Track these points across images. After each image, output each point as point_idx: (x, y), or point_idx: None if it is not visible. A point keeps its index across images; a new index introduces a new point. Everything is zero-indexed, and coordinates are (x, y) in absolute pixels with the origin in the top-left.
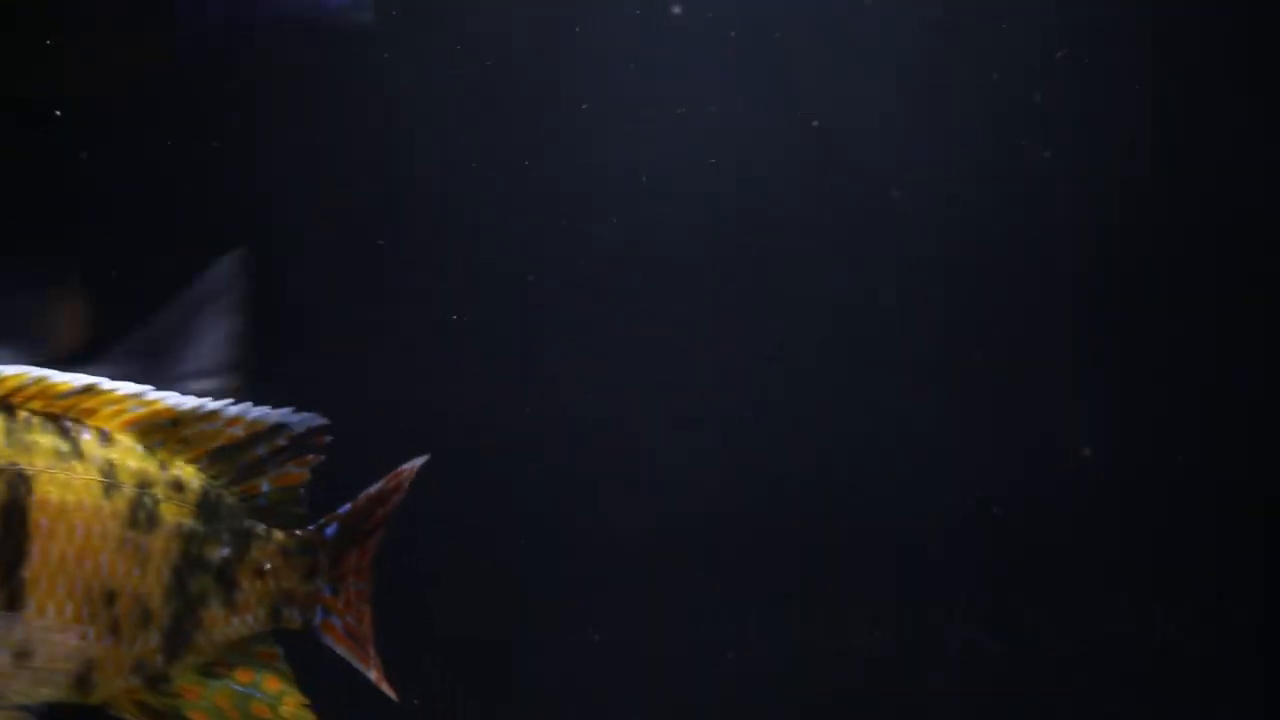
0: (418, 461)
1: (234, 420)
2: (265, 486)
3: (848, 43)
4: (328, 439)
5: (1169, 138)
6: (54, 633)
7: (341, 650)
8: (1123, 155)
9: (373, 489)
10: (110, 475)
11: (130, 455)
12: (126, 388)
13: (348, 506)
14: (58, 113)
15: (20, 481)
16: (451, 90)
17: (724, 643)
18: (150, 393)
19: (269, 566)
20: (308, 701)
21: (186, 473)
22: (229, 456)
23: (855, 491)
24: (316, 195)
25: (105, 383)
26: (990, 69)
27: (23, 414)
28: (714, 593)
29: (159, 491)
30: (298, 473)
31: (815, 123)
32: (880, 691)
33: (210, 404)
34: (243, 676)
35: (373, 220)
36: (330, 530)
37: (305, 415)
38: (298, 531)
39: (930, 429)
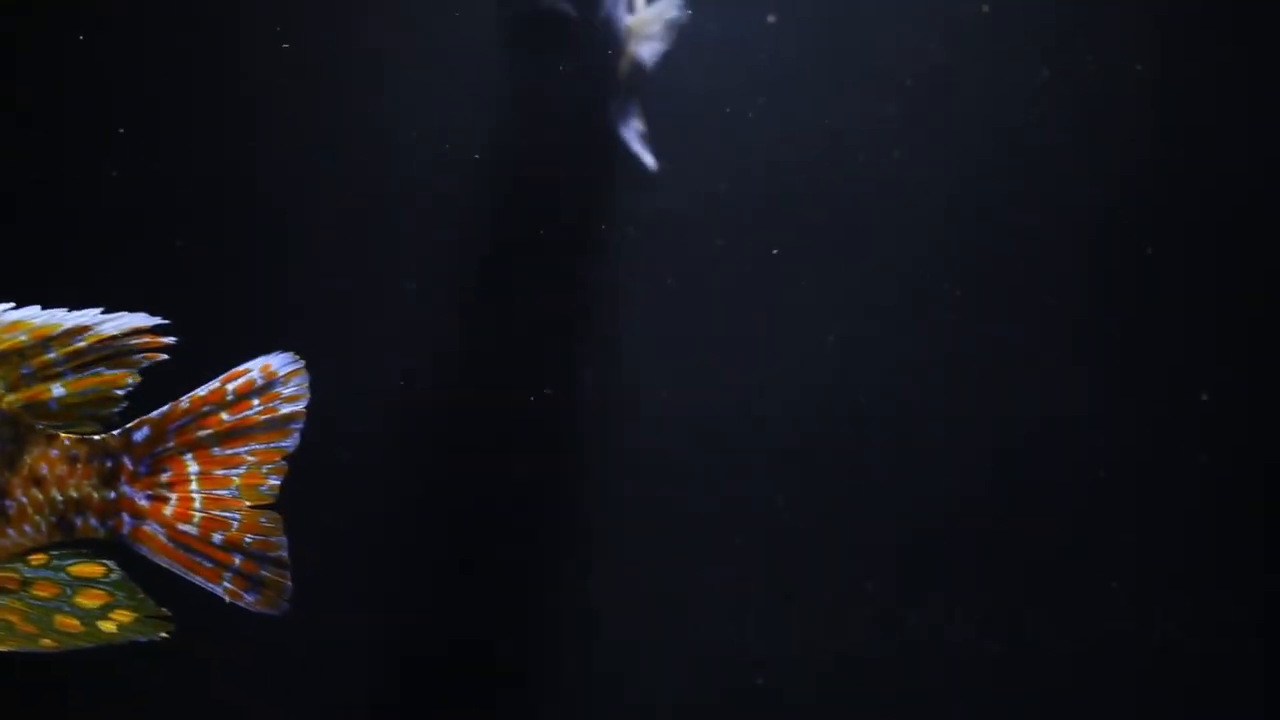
0: (269, 359)
1: (12, 326)
2: (57, 390)
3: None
4: (168, 340)
5: (1169, 138)
6: None
7: (162, 560)
8: (1125, 155)
9: (201, 389)
10: None
11: None
12: None
13: (166, 407)
14: None
15: None
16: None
17: (724, 642)
18: None
19: (48, 474)
20: (162, 612)
21: None
22: (8, 362)
23: (856, 492)
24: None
25: None
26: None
27: None
28: (714, 593)
29: None
30: (111, 374)
31: (828, 121)
32: (880, 691)
33: None
34: (43, 590)
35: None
36: (141, 434)
37: (120, 317)
38: (96, 436)
39: (931, 430)
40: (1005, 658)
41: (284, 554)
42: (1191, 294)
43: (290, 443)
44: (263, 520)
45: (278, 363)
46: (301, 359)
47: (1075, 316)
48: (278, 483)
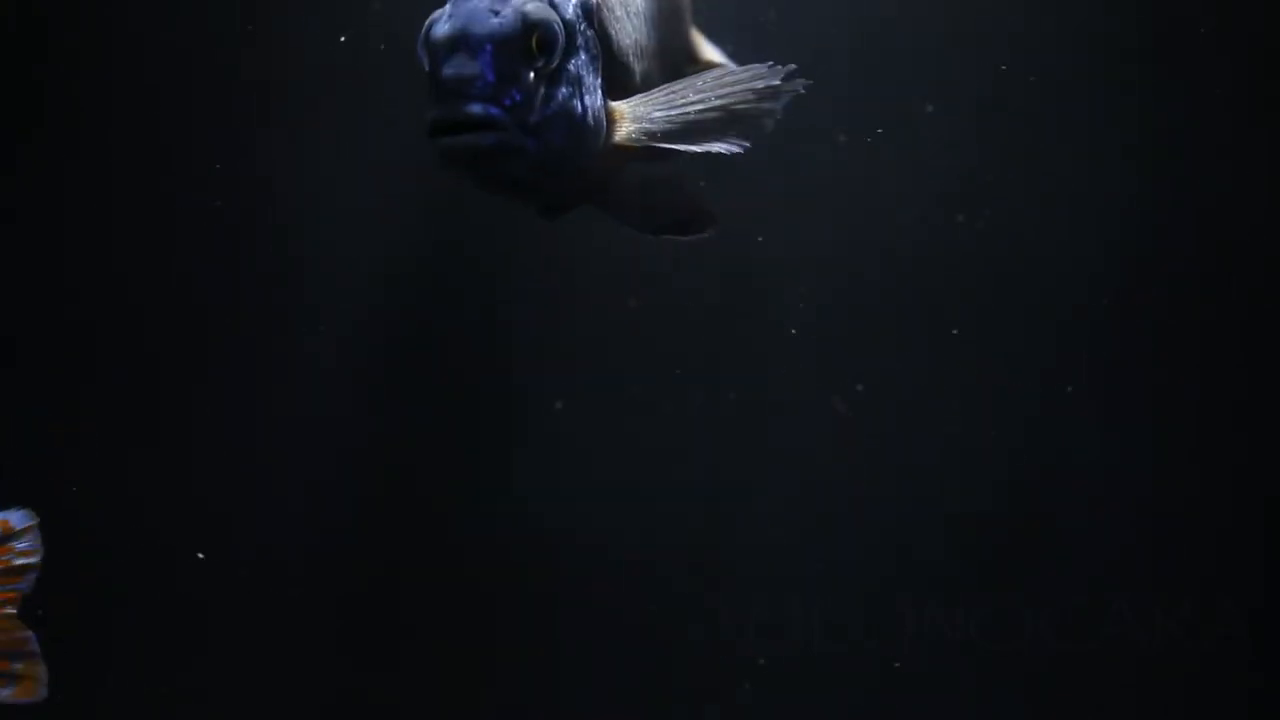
0: (7, 515)
1: None
2: None
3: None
4: None
5: (1169, 149)
6: None
7: None
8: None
9: None
10: None
11: None
12: None
13: None
14: None
15: None
16: None
17: (723, 643)
18: None
19: None
20: None
21: None
22: None
23: (856, 492)
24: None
25: None
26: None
27: None
28: (714, 593)
29: None
30: None
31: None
32: (880, 692)
33: None
34: None
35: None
36: None
37: None
38: None
39: (930, 430)
40: (1005, 658)
41: (34, 647)
42: (1192, 296)
43: (25, 585)
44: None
45: (15, 519)
46: (36, 516)
47: (1074, 318)
48: (15, 611)
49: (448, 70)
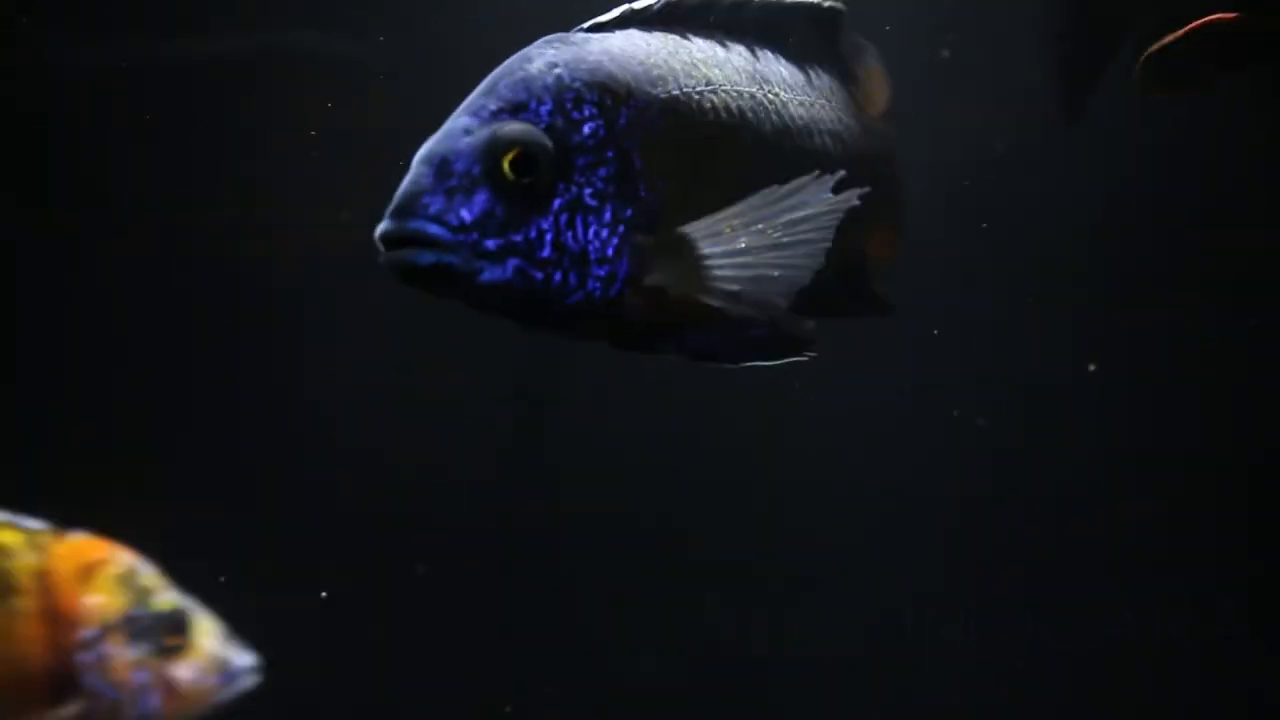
0: None
1: None
2: None
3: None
4: None
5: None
6: None
7: None
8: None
9: None
10: None
11: None
12: None
13: None
14: None
15: None
16: None
17: (723, 643)
18: None
19: None
20: None
21: None
22: None
23: (856, 493)
24: None
25: None
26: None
27: None
28: (715, 593)
29: None
30: None
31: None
32: (880, 691)
33: None
34: None
35: None
36: None
37: None
38: None
39: (930, 431)
40: (1006, 658)
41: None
42: (1193, 300)
43: None
44: None
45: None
46: None
47: (1076, 320)
48: None
49: (403, 184)
